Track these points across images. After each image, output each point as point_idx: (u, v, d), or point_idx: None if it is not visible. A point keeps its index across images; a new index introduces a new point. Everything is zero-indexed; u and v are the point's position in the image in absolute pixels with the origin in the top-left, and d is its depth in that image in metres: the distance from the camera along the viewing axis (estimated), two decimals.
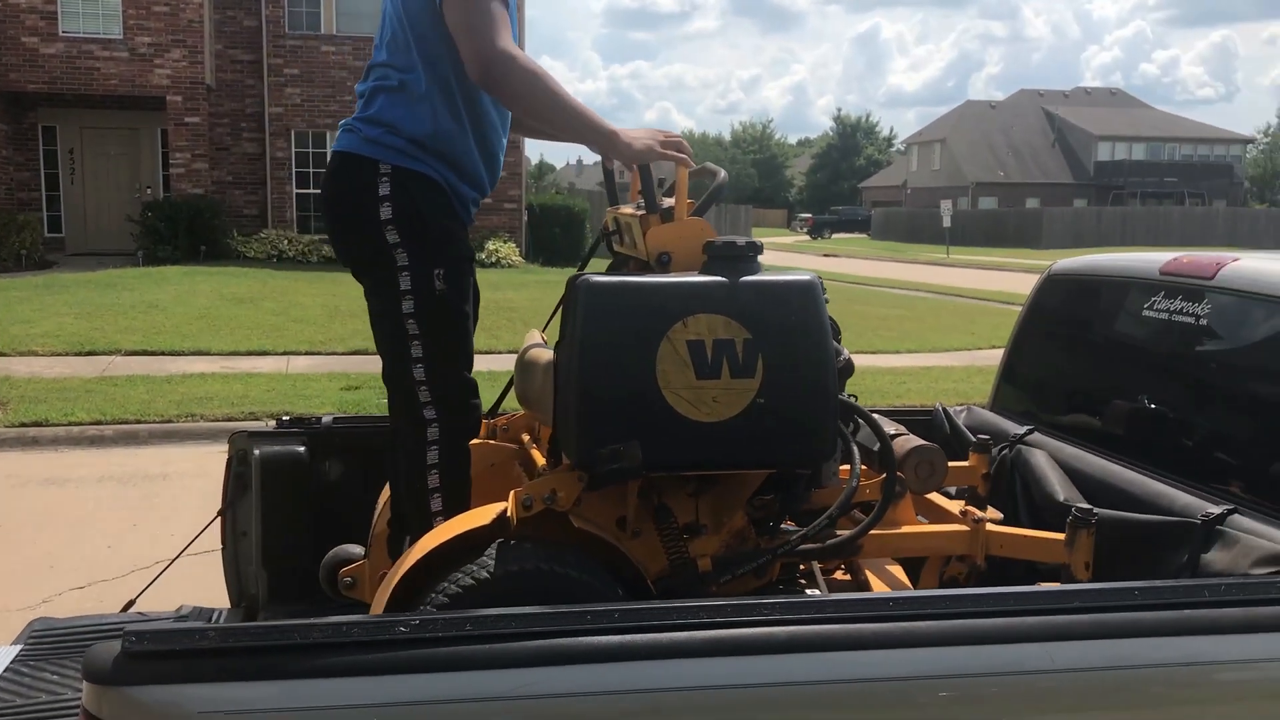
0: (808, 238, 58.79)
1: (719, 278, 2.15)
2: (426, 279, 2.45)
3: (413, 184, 2.45)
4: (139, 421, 7.66)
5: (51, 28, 18.49)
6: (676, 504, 2.29)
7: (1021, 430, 3.10)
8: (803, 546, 2.32)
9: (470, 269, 2.57)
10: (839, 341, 2.29)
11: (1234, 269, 2.57)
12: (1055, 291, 3.32)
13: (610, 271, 2.55)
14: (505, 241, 20.94)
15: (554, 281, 17.10)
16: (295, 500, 3.03)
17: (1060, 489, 2.76)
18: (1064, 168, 60.70)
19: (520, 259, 21.04)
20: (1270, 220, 51.46)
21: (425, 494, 2.50)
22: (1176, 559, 2.33)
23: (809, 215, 66.76)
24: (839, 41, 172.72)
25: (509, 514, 2.20)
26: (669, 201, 2.39)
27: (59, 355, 10.00)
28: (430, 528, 2.39)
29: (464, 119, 2.50)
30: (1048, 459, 2.89)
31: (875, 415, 2.50)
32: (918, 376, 10.20)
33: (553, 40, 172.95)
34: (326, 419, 3.20)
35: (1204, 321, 2.60)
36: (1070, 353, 3.31)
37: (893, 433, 2.55)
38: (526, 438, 2.95)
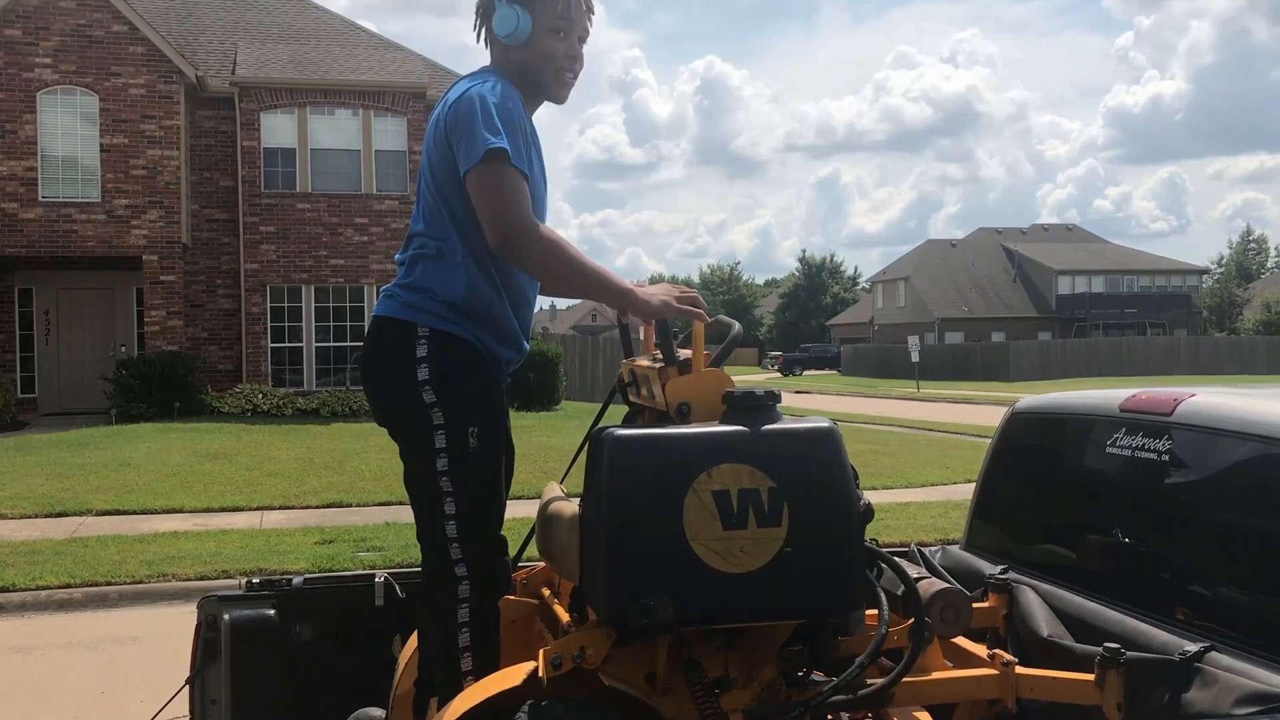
0: (779, 375, 59.28)
1: (741, 427, 2.18)
2: (461, 437, 2.49)
3: (449, 346, 2.52)
4: (109, 583, 7.53)
5: (31, 194, 18.79)
6: (706, 658, 2.26)
7: (996, 569, 3.12)
8: (834, 698, 2.28)
9: (504, 427, 2.63)
10: (858, 486, 2.31)
11: (1191, 405, 2.64)
12: (1020, 429, 3.39)
13: (626, 423, 2.59)
14: None
15: (530, 426, 17.10)
16: (266, 665, 2.98)
17: (1046, 626, 2.76)
18: (1026, 301, 61.94)
19: None
20: (1231, 347, 52.47)
21: (456, 653, 2.48)
22: (1157, 698, 2.33)
23: (779, 353, 67.50)
24: (801, 186, 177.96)
25: (539, 673, 2.17)
26: (685, 353, 2.44)
27: (28, 518, 9.87)
28: (460, 688, 2.36)
29: (497, 283, 2.59)
30: (1035, 597, 2.90)
31: (897, 559, 2.51)
32: (895, 513, 10.20)
33: None
34: (297, 580, 3.16)
35: (1166, 457, 2.66)
36: (1039, 490, 3.35)
37: (915, 576, 2.54)
38: (547, 592, 2.94)
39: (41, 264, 19.75)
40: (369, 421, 17.58)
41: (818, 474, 2.17)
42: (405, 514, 9.17)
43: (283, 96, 20.32)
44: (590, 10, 2.65)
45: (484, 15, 2.67)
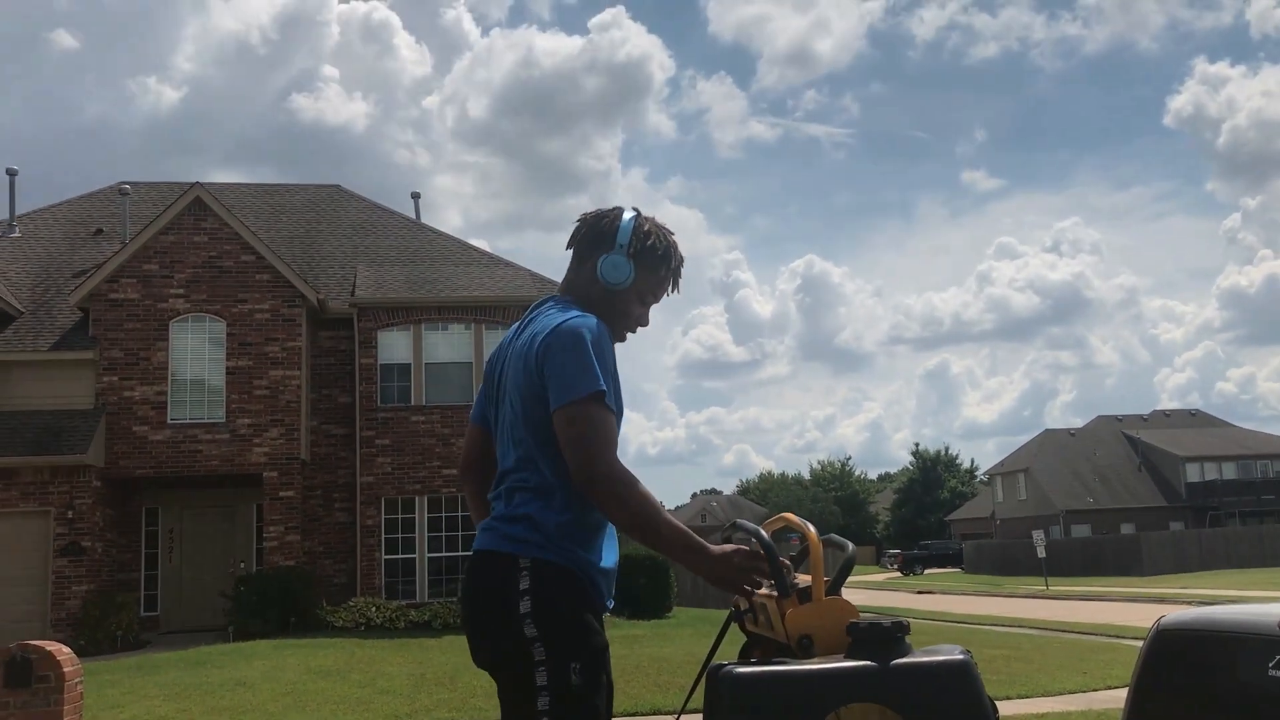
0: (899, 574, 57.50)
1: (869, 662, 2.07)
2: (564, 673, 2.41)
3: (551, 575, 2.48)
4: None
5: (161, 416, 19.70)
6: None
7: None
8: None
9: (606, 660, 2.53)
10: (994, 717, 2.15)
11: None
12: (1169, 646, 3.15)
13: (744, 654, 2.47)
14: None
15: (642, 636, 16.73)
16: None
17: None
18: (1154, 491, 59.60)
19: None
20: None
21: None
22: None
23: (898, 551, 65.72)
24: (909, 379, 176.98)
25: None
26: (803, 579, 2.34)
27: None
28: None
29: (592, 507, 2.55)
30: None
31: None
32: None
33: (631, 392, 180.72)
34: None
35: None
36: (1195, 712, 3.08)
37: None
38: None
39: (167, 483, 20.47)
40: None
41: (954, 711, 2.02)
42: None
43: (399, 315, 21.18)
44: (678, 289, 2.83)
45: (594, 245, 2.75)
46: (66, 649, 7.49)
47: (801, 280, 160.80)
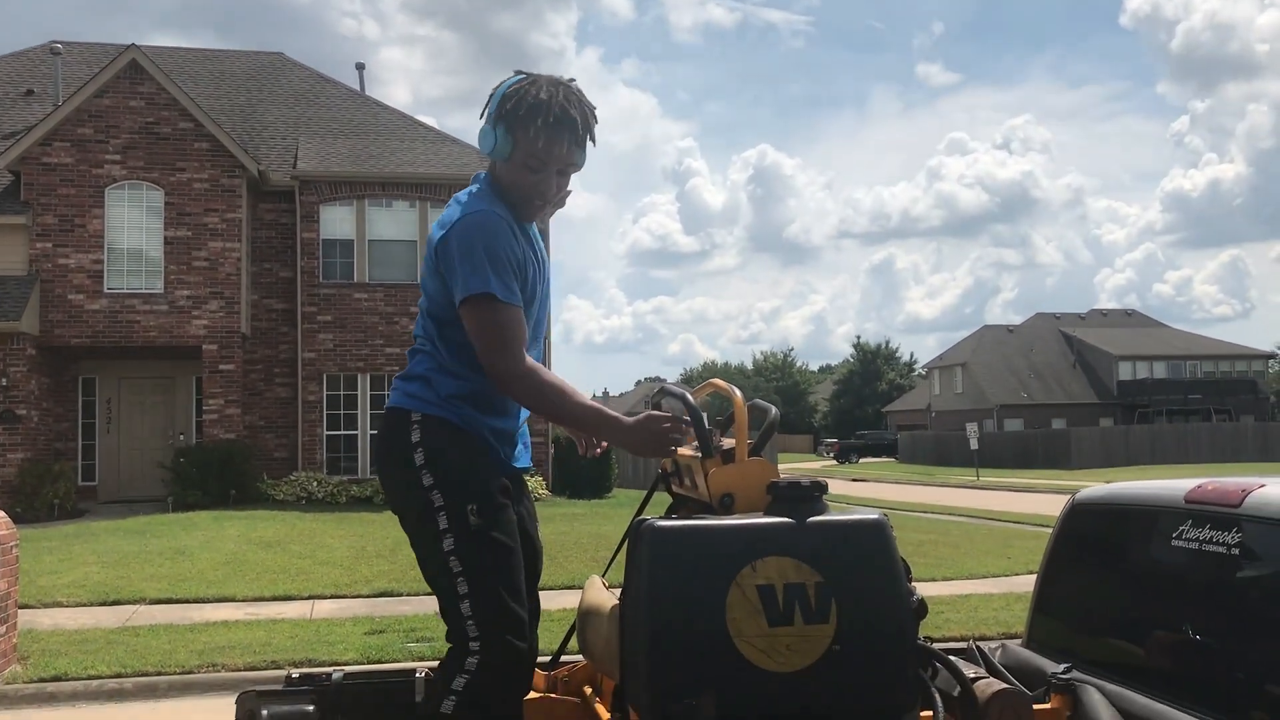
0: (834, 463, 58.69)
1: (786, 519, 2.11)
2: (462, 515, 2.51)
3: (439, 428, 2.59)
4: (159, 673, 7.50)
5: (97, 285, 19.31)
6: None
7: (1059, 668, 2.98)
8: None
9: (505, 501, 2.62)
10: (910, 581, 2.23)
11: (1261, 495, 2.52)
12: (1082, 520, 3.27)
13: (670, 514, 2.52)
14: (532, 475, 20.99)
15: (581, 514, 17.01)
16: None
17: None
18: (1087, 388, 61.02)
19: (546, 492, 21.05)
20: None
21: None
22: None
23: (834, 440, 66.93)
24: (855, 273, 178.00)
25: None
26: (728, 442, 2.39)
27: (83, 606, 9.91)
28: None
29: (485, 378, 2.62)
30: (1100, 698, 2.76)
31: (953, 657, 2.41)
32: (955, 605, 9.92)
33: (579, 280, 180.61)
34: (337, 675, 3.11)
35: (1236, 550, 2.54)
36: (1103, 584, 3.22)
37: (972, 676, 2.42)
38: (589, 690, 2.86)
39: (104, 354, 20.19)
40: None
41: (867, 569, 2.09)
42: None
43: (342, 189, 20.80)
44: (577, 145, 2.63)
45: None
46: (1, 513, 7.46)
47: (754, 171, 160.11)
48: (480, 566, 2.50)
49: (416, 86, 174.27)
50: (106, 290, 19.37)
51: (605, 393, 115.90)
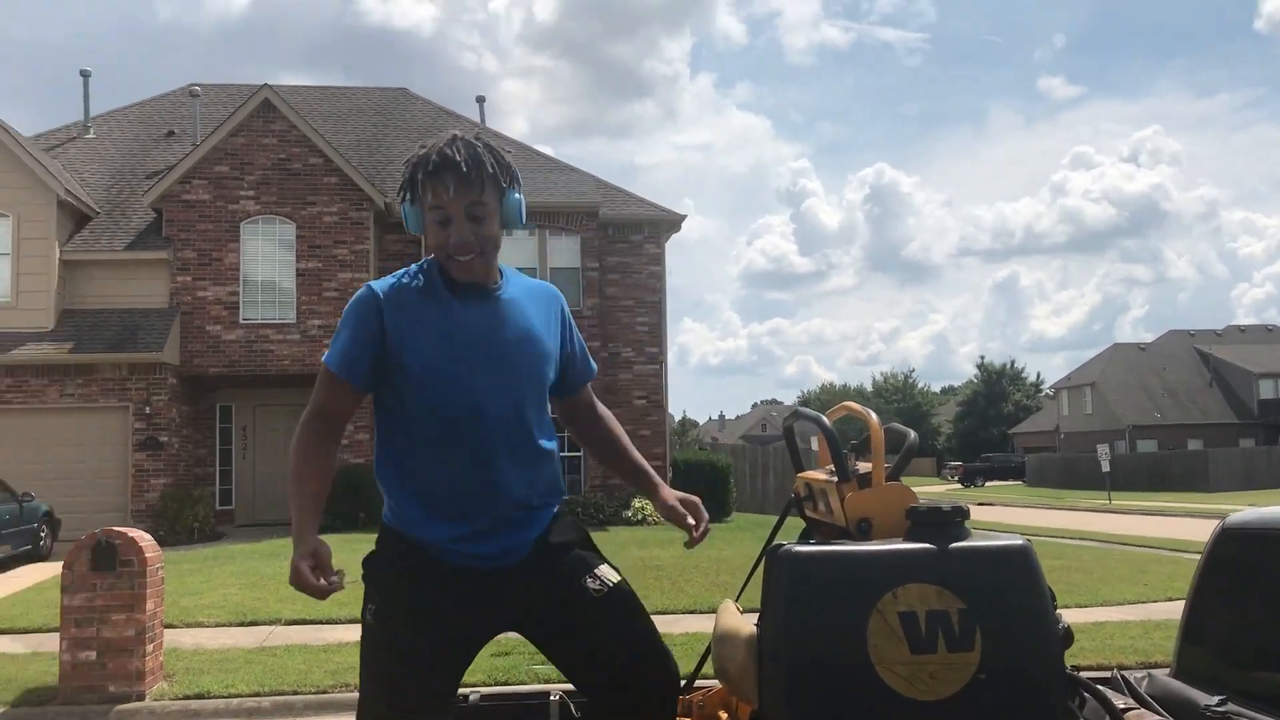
0: (960, 486, 57.39)
1: (927, 545, 2.08)
2: (364, 613, 2.63)
3: (381, 534, 2.72)
4: (295, 693, 7.72)
5: (233, 316, 20.13)
6: None
7: (1213, 700, 2.86)
8: None
9: (402, 607, 2.57)
10: (1055, 608, 2.17)
11: None
12: (1233, 546, 3.13)
13: (803, 539, 2.50)
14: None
15: None
16: None
17: None
18: (1224, 407, 58.53)
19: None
20: None
21: None
22: None
23: (959, 463, 65.44)
24: (977, 291, 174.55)
25: None
26: (864, 466, 2.36)
27: (223, 626, 10.27)
28: None
29: (407, 467, 2.64)
30: None
31: (1100, 687, 2.34)
32: (1090, 634, 9.59)
33: (693, 303, 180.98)
34: (474, 696, 3.15)
35: None
36: (1257, 613, 3.08)
37: (1122, 706, 2.35)
38: (724, 715, 2.84)
39: (240, 382, 20.96)
40: None
41: (1012, 595, 2.04)
42: None
43: None
44: (466, 183, 2.49)
45: None
46: (148, 536, 7.79)
47: (870, 190, 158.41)
48: (366, 669, 2.60)
49: (534, 116, 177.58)
50: (242, 321, 20.16)
51: (721, 416, 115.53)
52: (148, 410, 19.13)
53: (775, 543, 2.18)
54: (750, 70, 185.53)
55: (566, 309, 2.80)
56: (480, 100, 28.58)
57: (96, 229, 20.83)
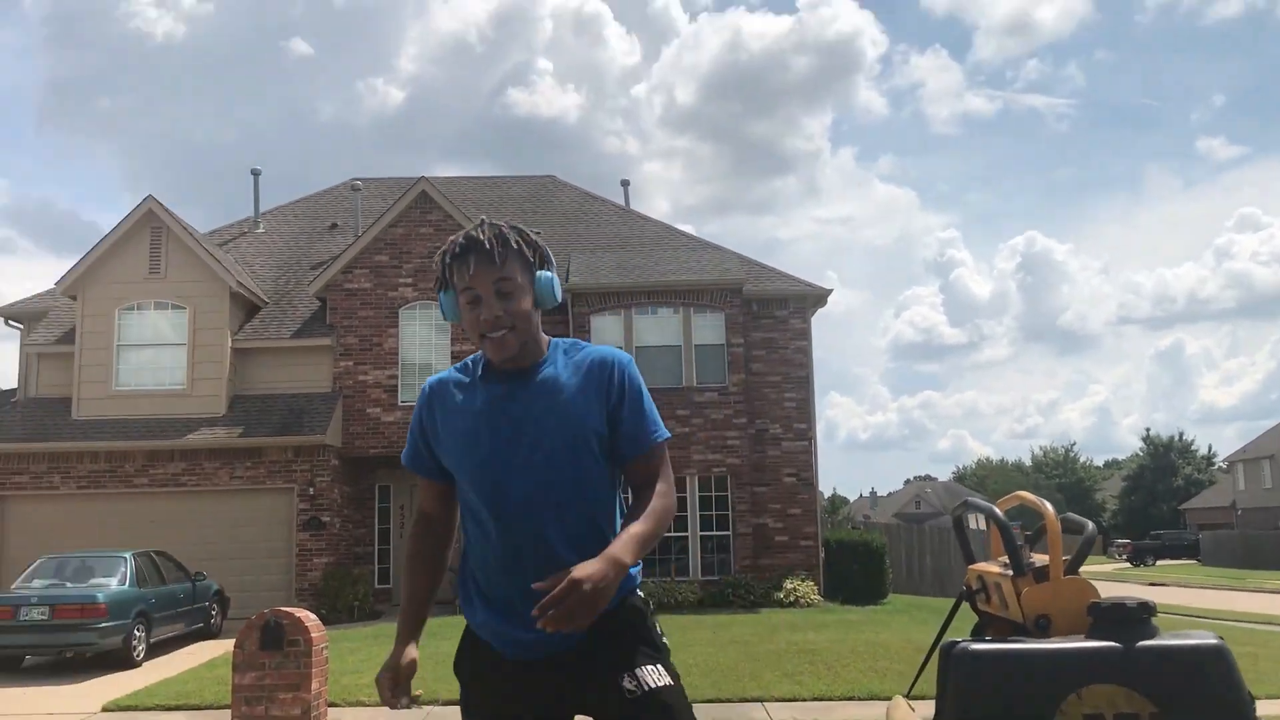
0: (1128, 565, 54.61)
1: (1112, 643, 1.99)
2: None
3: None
4: None
5: (391, 399, 20.82)
6: None
7: None
8: None
9: (467, 706, 2.68)
10: (1253, 711, 2.03)
11: None
12: None
13: (976, 634, 2.41)
14: (803, 580, 20.64)
15: (856, 621, 16.53)
16: None
17: None
18: None
19: (819, 597, 20.60)
20: None
21: None
22: None
23: (1127, 541, 62.34)
24: (1139, 360, 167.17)
25: None
26: (1039, 558, 2.27)
27: (381, 706, 10.42)
28: None
29: (471, 553, 2.71)
30: None
31: None
32: None
33: (839, 376, 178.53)
34: None
35: None
36: None
37: None
38: None
39: (398, 463, 21.48)
40: (696, 613, 17.58)
41: (1208, 699, 1.91)
42: (739, 711, 9.01)
43: (610, 299, 21.59)
44: (490, 261, 2.50)
45: None
46: (313, 616, 8.03)
47: (1021, 258, 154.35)
48: None
49: (675, 196, 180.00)
50: (400, 403, 20.81)
51: (873, 492, 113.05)
52: (311, 491, 19.82)
53: (949, 639, 2.10)
54: (893, 142, 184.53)
55: (625, 376, 2.60)
56: (625, 184, 29.18)
57: (265, 318, 21.91)
